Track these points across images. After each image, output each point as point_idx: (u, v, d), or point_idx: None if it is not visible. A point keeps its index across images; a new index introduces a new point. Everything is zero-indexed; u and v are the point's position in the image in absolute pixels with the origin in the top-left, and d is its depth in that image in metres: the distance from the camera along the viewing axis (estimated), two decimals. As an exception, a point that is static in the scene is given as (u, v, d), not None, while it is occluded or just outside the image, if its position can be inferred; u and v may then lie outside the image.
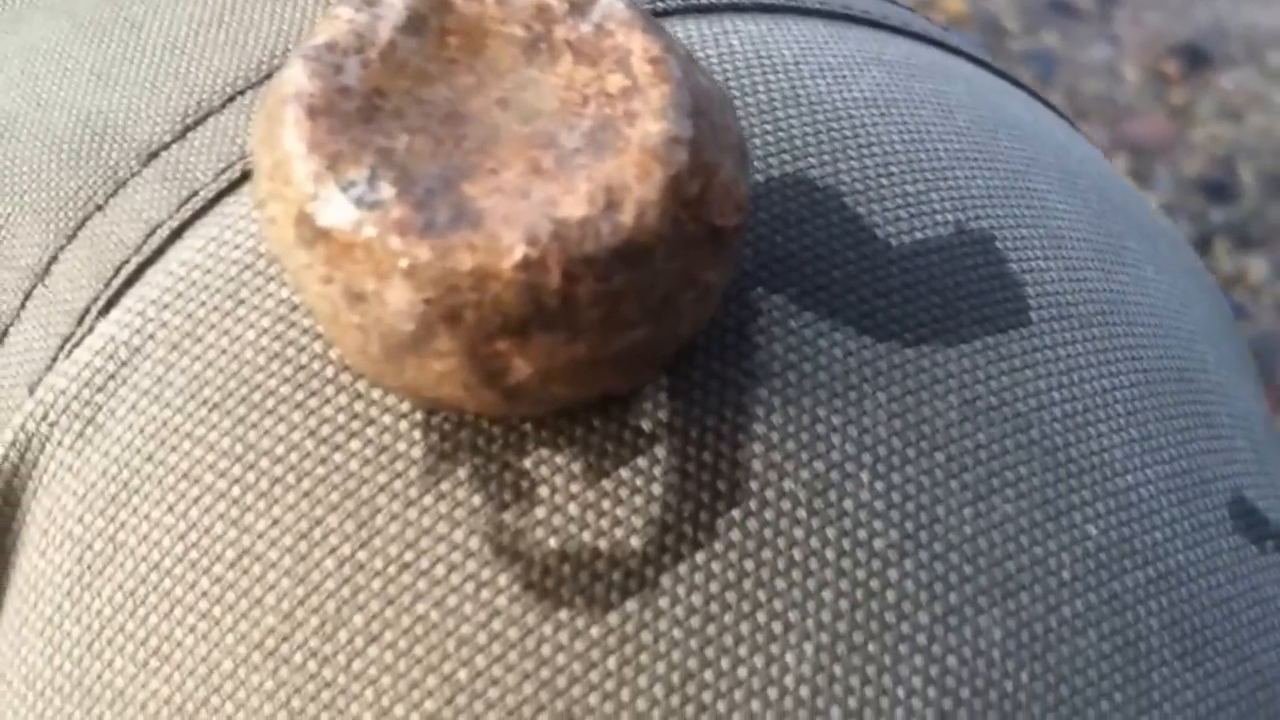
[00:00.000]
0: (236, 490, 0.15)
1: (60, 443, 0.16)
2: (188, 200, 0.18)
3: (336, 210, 0.13)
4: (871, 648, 0.14)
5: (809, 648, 0.13)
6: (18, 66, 0.21)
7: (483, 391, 0.14)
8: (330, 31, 0.14)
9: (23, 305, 0.18)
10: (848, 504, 0.14)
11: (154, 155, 0.18)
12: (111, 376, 0.16)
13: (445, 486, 0.14)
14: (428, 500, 0.14)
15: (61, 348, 0.17)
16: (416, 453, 0.14)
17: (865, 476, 0.14)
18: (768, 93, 0.17)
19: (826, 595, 0.14)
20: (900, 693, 0.13)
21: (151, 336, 0.16)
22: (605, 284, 0.13)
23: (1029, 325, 0.16)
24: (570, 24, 0.14)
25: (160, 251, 0.17)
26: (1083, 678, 0.14)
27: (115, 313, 0.17)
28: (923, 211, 0.17)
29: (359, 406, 0.15)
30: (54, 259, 0.18)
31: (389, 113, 0.14)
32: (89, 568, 0.15)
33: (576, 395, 0.14)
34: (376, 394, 0.15)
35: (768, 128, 0.17)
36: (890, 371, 0.15)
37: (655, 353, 0.14)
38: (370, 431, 0.15)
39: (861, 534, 0.14)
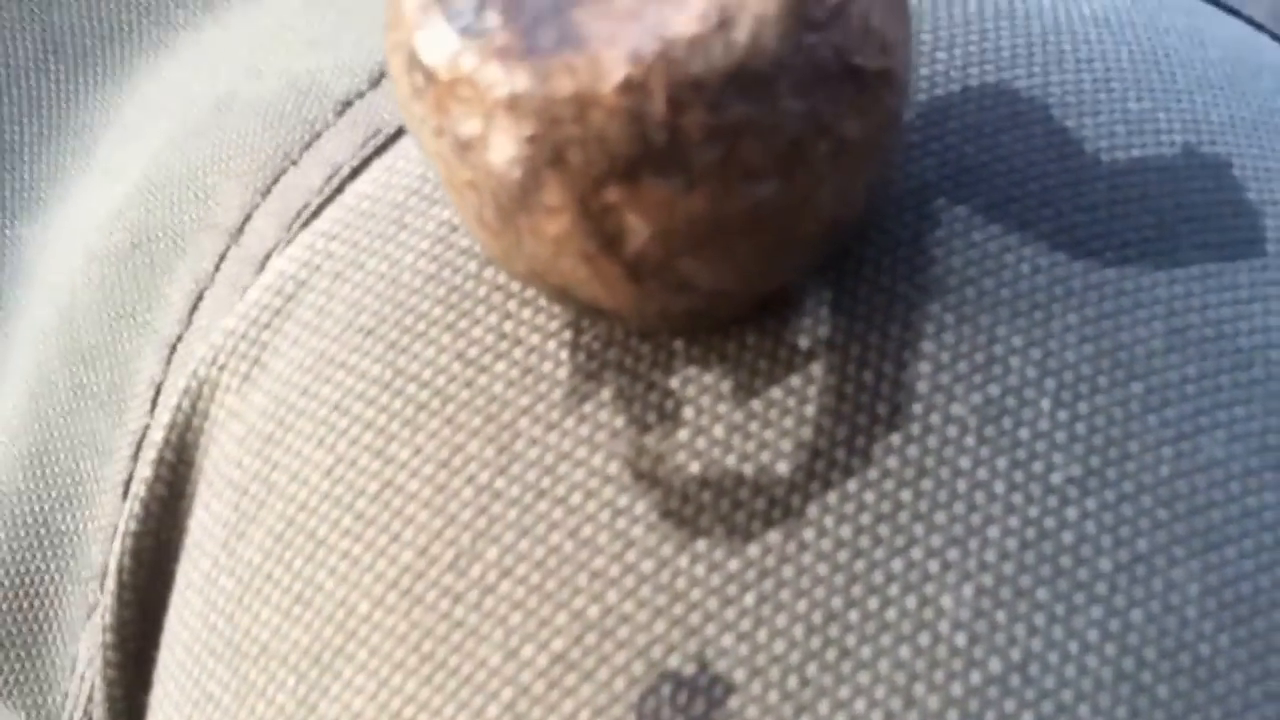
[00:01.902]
0: (383, 419, 0.14)
1: (228, 387, 0.16)
2: (370, 139, 0.17)
3: (440, 41, 0.13)
4: (1041, 594, 0.12)
5: (968, 590, 0.12)
6: (248, 47, 0.21)
7: (606, 265, 0.13)
8: None
9: (217, 268, 0.18)
10: (1024, 432, 0.13)
11: (348, 105, 0.18)
12: (277, 313, 0.16)
13: (588, 408, 0.14)
14: (569, 423, 0.14)
15: (241, 297, 0.17)
16: (562, 373, 0.14)
17: (1046, 404, 0.13)
18: (979, 5, 0.16)
19: (992, 532, 0.13)
20: (1073, 647, 0.12)
21: (318, 268, 0.16)
22: (718, 115, 0.12)
23: (1264, 257, 0.15)
24: None
25: (340, 190, 0.17)
26: None
27: (290, 249, 0.17)
28: (1145, 129, 0.15)
29: (508, 326, 0.14)
30: (248, 217, 0.18)
31: None
32: (244, 514, 0.15)
33: (716, 279, 0.13)
34: (527, 313, 0.14)
35: (973, 37, 0.16)
36: (1085, 291, 0.14)
37: (796, 226, 0.13)
38: (517, 353, 0.14)
39: (1037, 466, 0.13)
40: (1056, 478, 0.13)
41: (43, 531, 0.19)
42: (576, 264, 0.13)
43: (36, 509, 0.19)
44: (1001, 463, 0.13)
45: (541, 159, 0.12)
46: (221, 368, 0.16)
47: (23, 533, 0.19)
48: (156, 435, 0.17)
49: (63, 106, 0.22)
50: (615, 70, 0.12)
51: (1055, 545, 0.13)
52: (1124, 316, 0.14)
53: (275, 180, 0.18)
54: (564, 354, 0.14)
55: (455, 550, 0.13)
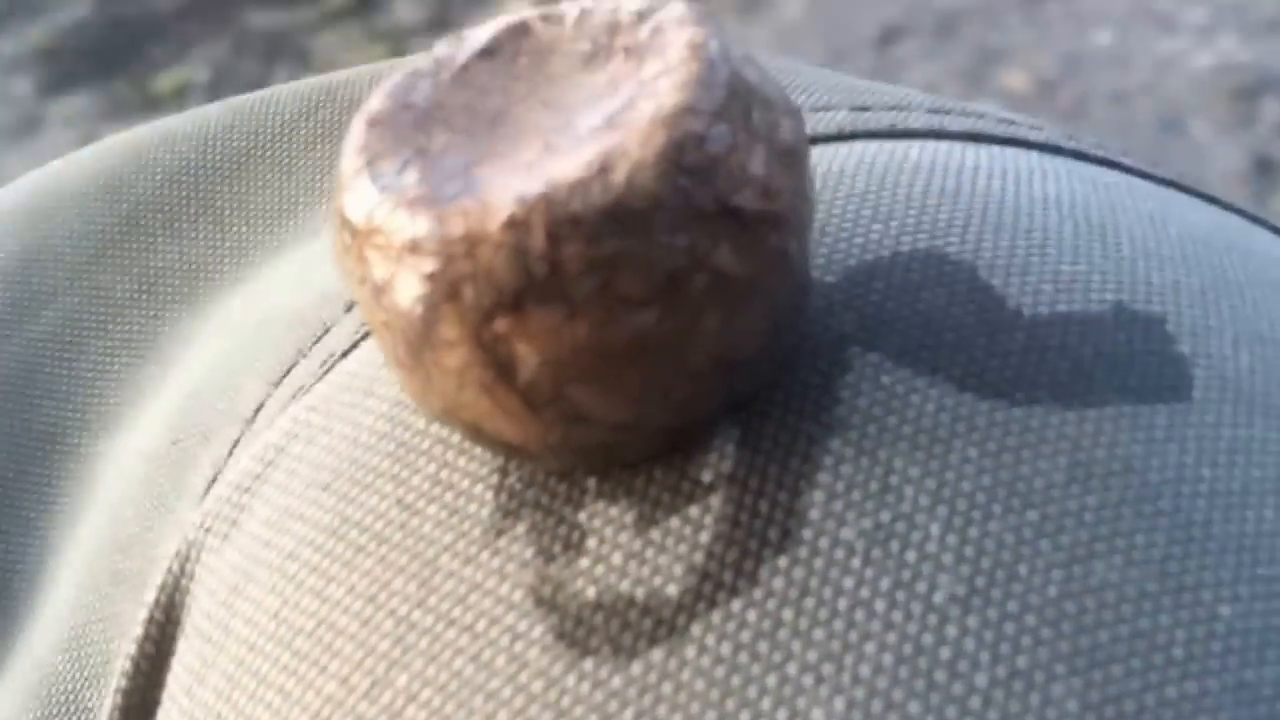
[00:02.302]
0: (326, 562, 0.15)
1: (210, 548, 0.17)
2: (363, 324, 0.19)
3: (362, 199, 0.14)
4: (913, 707, 0.12)
5: (839, 703, 0.13)
6: (297, 269, 0.23)
7: (503, 395, 0.14)
8: (416, 63, 0.15)
9: (230, 452, 0.19)
10: (910, 555, 0.13)
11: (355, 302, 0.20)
12: (257, 478, 0.17)
13: (502, 543, 0.14)
14: (484, 556, 0.14)
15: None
16: (485, 513, 0.15)
17: (936, 528, 0.13)
18: (925, 186, 0.17)
19: (869, 648, 0.13)
20: None
21: (296, 436, 0.17)
22: (595, 248, 0.13)
23: (1187, 402, 0.15)
24: (632, 32, 0.15)
25: (330, 369, 0.18)
26: None
27: (279, 421, 0.18)
28: (1074, 288, 0.16)
29: (444, 474, 0.15)
30: (261, 406, 0.20)
31: (439, 120, 0.15)
32: (205, 660, 0.16)
33: (610, 410, 0.14)
34: (462, 461, 0.15)
35: (911, 211, 0.17)
36: (988, 428, 0.14)
37: (684, 358, 0.14)
38: (448, 496, 0.15)
39: (921, 586, 0.13)
40: (939, 597, 0.13)
41: (72, 709, 0.20)
42: (479, 396, 0.14)
43: (70, 687, 0.21)
44: (885, 583, 0.13)
45: (439, 295, 0.13)
46: (207, 530, 0.18)
47: (56, 711, 0.21)
48: (148, 596, 0.18)
49: (151, 338, 0.24)
50: (501, 210, 0.13)
51: (931, 660, 0.13)
52: (1025, 450, 0.14)
53: (287, 372, 0.20)
54: (489, 495, 0.15)
55: (371, 679, 0.14)
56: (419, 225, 0.13)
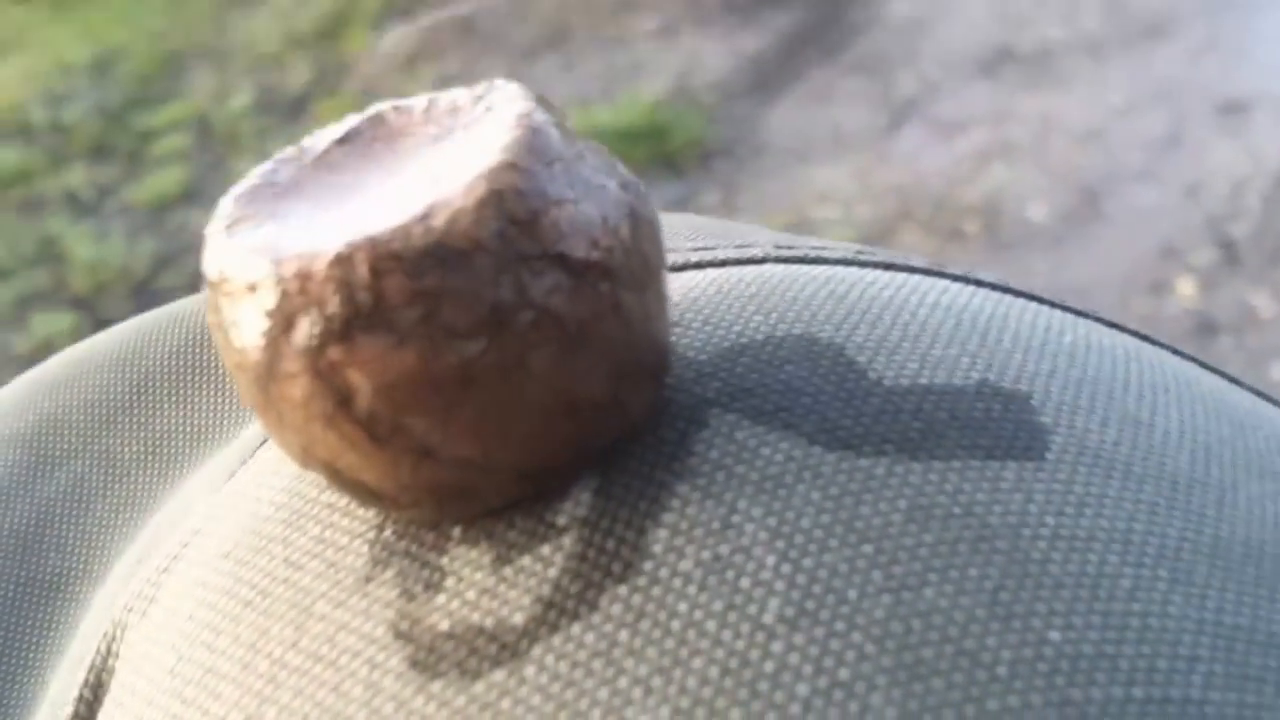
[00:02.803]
0: (217, 618, 0.17)
1: (130, 625, 0.19)
2: None
3: (216, 254, 0.15)
4: (735, 714, 0.13)
5: (665, 711, 0.14)
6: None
7: (346, 426, 0.14)
8: (285, 151, 0.16)
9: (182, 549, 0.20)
10: (744, 581, 0.14)
11: None
12: (175, 558, 0.19)
13: (370, 587, 0.16)
14: (353, 600, 0.16)
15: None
16: (359, 563, 0.16)
17: (772, 559, 0.14)
18: (813, 291, 0.18)
19: (696, 663, 0.14)
20: None
21: (211, 517, 0.19)
22: (417, 281, 0.14)
23: (1039, 461, 0.16)
24: (470, 112, 0.16)
25: (250, 458, 0.20)
26: None
27: (198, 508, 0.20)
28: (940, 367, 0.17)
29: (328, 534, 0.17)
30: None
31: (297, 194, 0.16)
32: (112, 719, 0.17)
33: (452, 445, 0.15)
34: (345, 521, 0.17)
35: (794, 307, 0.18)
36: (833, 475, 0.15)
37: (517, 391, 0.14)
38: (329, 552, 0.16)
39: (752, 608, 0.14)
40: (768, 617, 0.14)
41: None
42: (325, 429, 0.15)
43: None
44: (717, 605, 0.14)
45: (278, 328, 0.14)
46: (129, 609, 0.19)
47: None
48: (79, 676, 0.19)
49: (155, 496, 0.25)
50: (330, 251, 0.14)
51: (755, 672, 0.14)
52: (867, 495, 0.15)
53: (233, 475, 0.21)
54: (364, 549, 0.16)
55: (244, 716, 0.15)
56: (259, 268, 0.14)
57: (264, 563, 0.17)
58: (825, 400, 0.16)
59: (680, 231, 0.22)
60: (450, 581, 0.15)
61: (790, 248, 0.21)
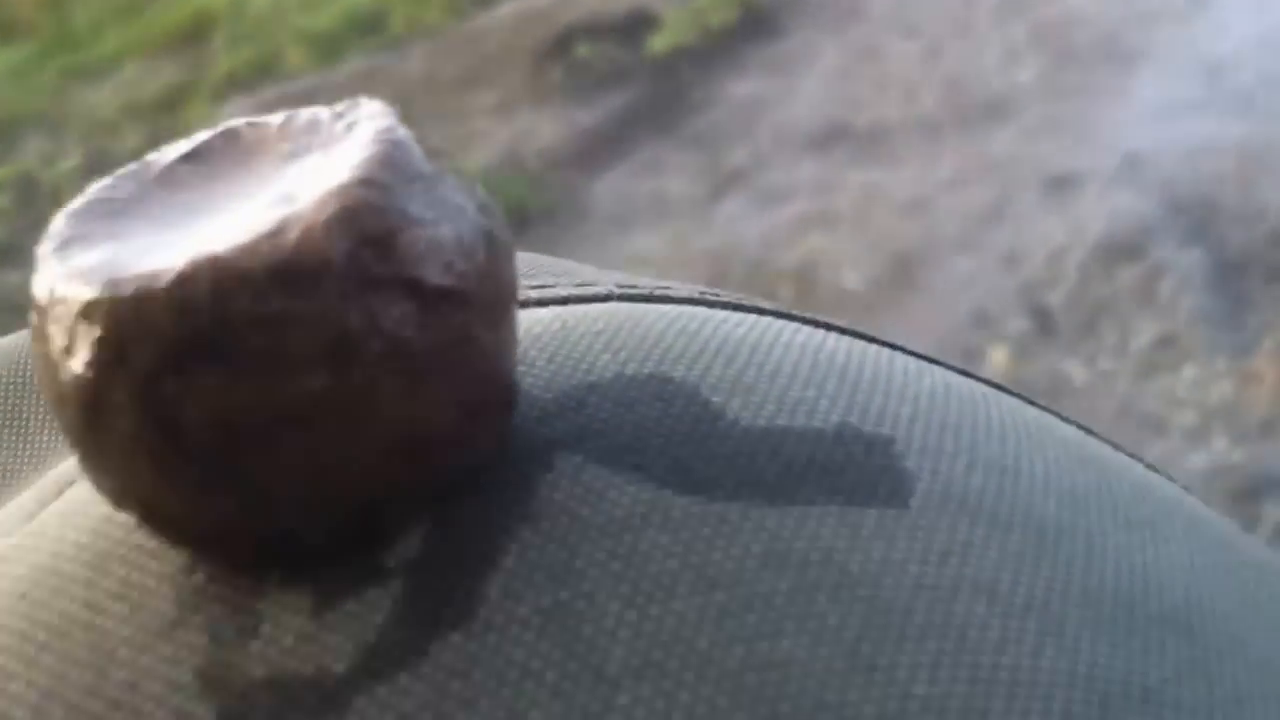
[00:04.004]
0: (10, 662, 0.16)
1: None
2: None
3: (46, 276, 0.14)
4: None
5: None
6: None
7: (173, 464, 0.14)
8: (126, 167, 0.16)
9: None
10: (586, 629, 0.14)
11: None
12: None
13: (179, 633, 0.15)
14: (160, 645, 0.15)
15: None
16: (167, 608, 0.15)
17: (615, 606, 0.14)
18: (663, 328, 0.18)
19: (534, 715, 0.13)
20: None
21: (6, 558, 0.18)
22: (262, 305, 0.13)
23: (901, 508, 0.15)
24: (330, 129, 0.15)
25: (58, 497, 0.19)
26: None
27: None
28: (800, 409, 0.16)
29: (134, 576, 0.16)
30: None
31: (137, 213, 0.15)
32: None
33: (286, 484, 0.14)
34: (153, 564, 0.16)
35: (644, 345, 0.17)
36: (682, 518, 0.15)
37: (359, 428, 0.14)
38: (135, 595, 0.15)
39: (594, 658, 0.14)
40: (611, 668, 0.14)
41: None
42: (148, 467, 0.14)
43: None
44: (557, 654, 0.14)
45: (109, 357, 0.13)
46: None
47: None
48: None
49: None
50: (171, 271, 0.13)
51: None
52: (719, 539, 0.15)
53: (32, 518, 0.19)
54: (173, 593, 0.15)
55: None
56: (92, 291, 0.13)
57: (63, 605, 0.16)
58: (678, 442, 0.16)
59: (518, 269, 0.20)
60: (266, 627, 0.14)
61: (634, 286, 0.20)
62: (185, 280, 0.13)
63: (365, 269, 0.13)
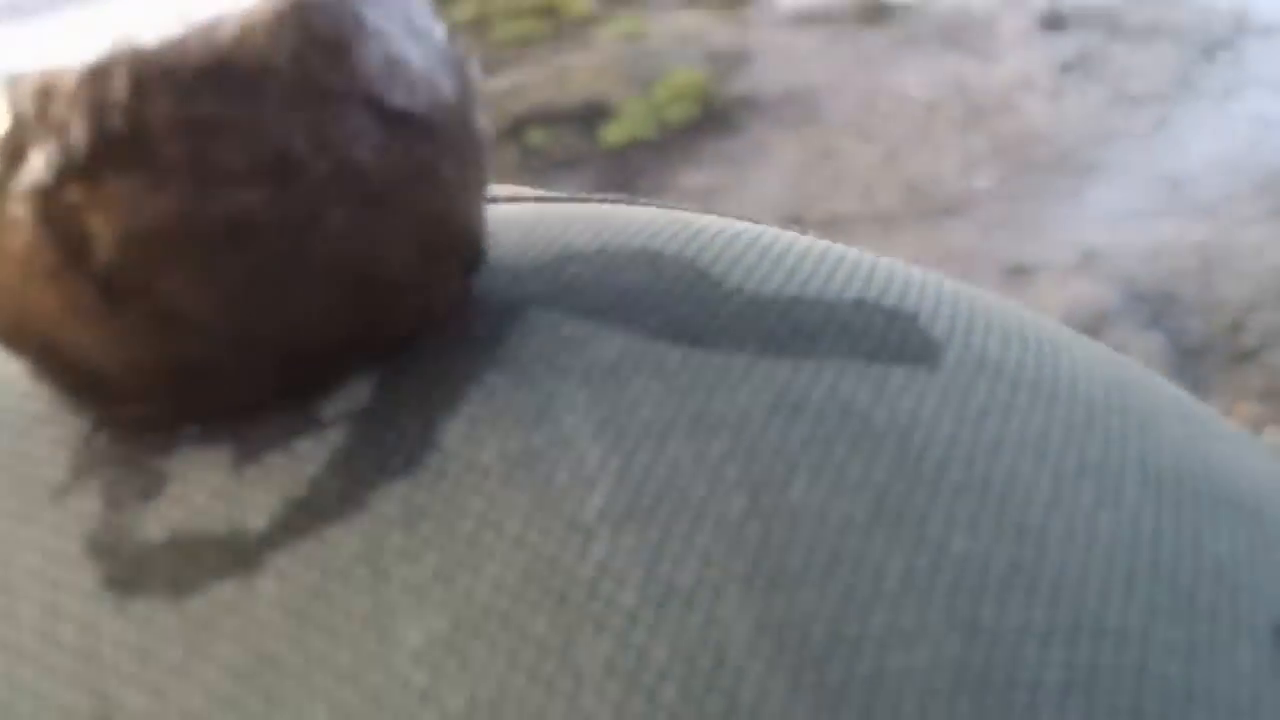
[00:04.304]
0: None
1: None
2: None
3: None
4: (538, 625, 0.11)
5: (441, 622, 0.12)
6: None
7: (76, 286, 0.12)
8: None
9: None
10: (560, 475, 0.12)
11: None
12: None
13: (70, 500, 0.13)
14: (45, 515, 0.13)
15: None
16: (58, 475, 0.14)
17: (596, 451, 0.13)
18: (651, 214, 0.17)
19: (490, 567, 0.12)
20: (565, 683, 0.11)
21: None
22: (188, 107, 0.11)
23: (931, 366, 0.14)
24: None
25: None
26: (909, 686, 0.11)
27: None
28: (810, 283, 0.15)
29: (20, 444, 0.14)
30: None
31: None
32: None
33: (208, 310, 0.12)
34: (47, 431, 0.14)
35: (632, 226, 0.16)
36: (678, 368, 0.13)
37: (299, 256, 0.12)
38: (22, 466, 0.14)
39: (566, 505, 0.12)
40: (587, 515, 0.12)
41: None
42: (47, 289, 0.12)
43: None
44: (522, 501, 0.12)
45: (4, 162, 0.12)
46: None
47: None
48: None
49: None
50: (81, 64, 0.11)
51: (567, 578, 0.12)
52: (721, 388, 0.13)
53: None
54: (67, 459, 0.14)
55: None
56: None
57: None
58: (672, 301, 0.14)
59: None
60: (174, 487, 0.13)
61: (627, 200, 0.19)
62: (99, 75, 0.12)
63: (314, 77, 0.12)
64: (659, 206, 0.18)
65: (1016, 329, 0.16)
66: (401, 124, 0.12)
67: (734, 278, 0.15)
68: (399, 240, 0.13)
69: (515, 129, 2.20)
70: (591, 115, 2.20)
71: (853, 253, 0.17)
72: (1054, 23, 2.29)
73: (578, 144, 2.15)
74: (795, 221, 1.87)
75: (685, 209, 0.18)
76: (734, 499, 0.12)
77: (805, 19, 2.40)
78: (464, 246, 0.14)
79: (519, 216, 0.16)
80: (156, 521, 0.13)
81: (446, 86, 0.13)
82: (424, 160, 0.13)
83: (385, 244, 0.13)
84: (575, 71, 2.32)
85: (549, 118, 2.21)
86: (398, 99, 0.12)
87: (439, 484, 0.12)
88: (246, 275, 0.12)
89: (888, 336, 0.14)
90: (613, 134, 2.14)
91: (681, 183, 2.02)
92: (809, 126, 2.09)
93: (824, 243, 0.17)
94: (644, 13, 2.50)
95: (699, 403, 0.13)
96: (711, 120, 2.15)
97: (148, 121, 0.11)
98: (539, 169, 2.10)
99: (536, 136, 2.17)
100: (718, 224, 0.16)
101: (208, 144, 0.12)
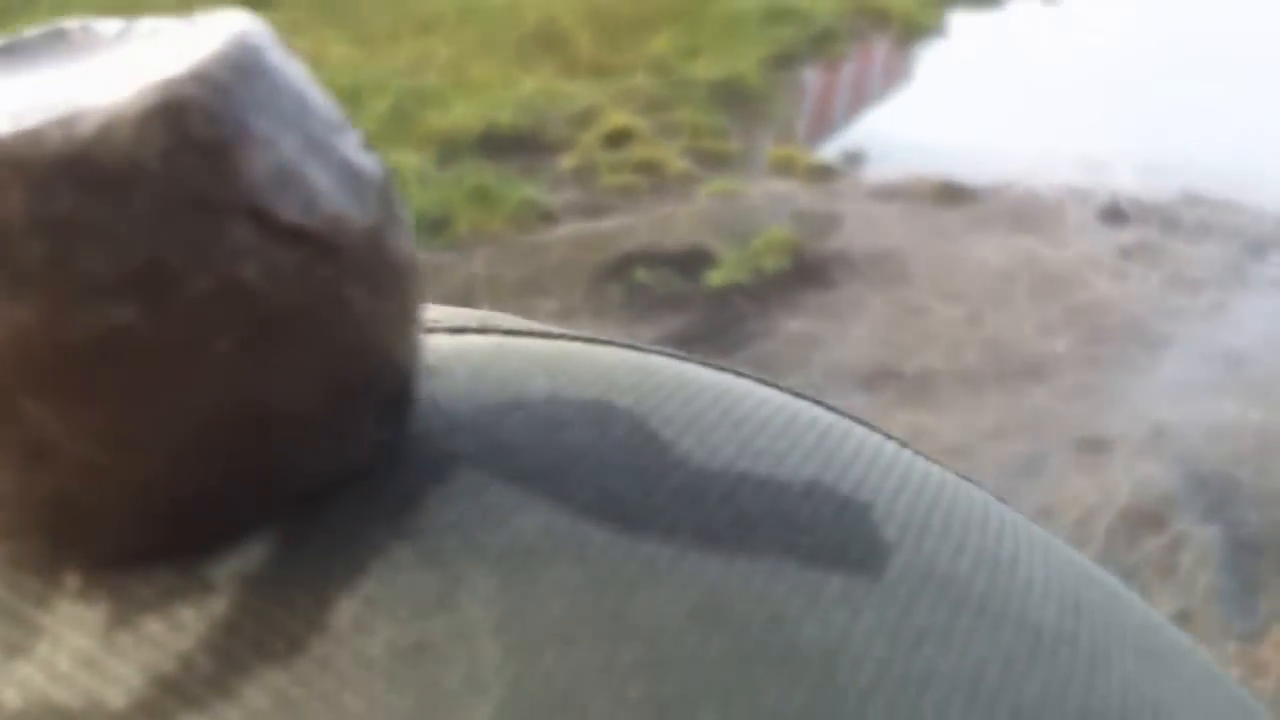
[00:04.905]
0: None
1: None
2: None
3: None
4: None
5: None
6: None
7: None
8: None
9: None
10: (450, 678, 0.11)
11: None
12: None
13: None
14: None
15: None
16: None
17: (495, 652, 0.11)
18: (611, 362, 0.16)
19: None
20: None
21: None
22: (46, 203, 0.10)
23: (873, 577, 0.13)
24: (179, 33, 0.13)
25: None
26: None
27: None
28: (763, 457, 0.14)
29: None
30: None
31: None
32: None
33: (80, 441, 0.11)
34: None
35: (585, 371, 0.15)
36: (601, 555, 0.12)
37: (181, 385, 0.11)
38: None
39: (451, 715, 0.11)
40: (479, 715, 0.11)
41: None
42: None
43: None
44: (404, 706, 0.11)
45: None
46: None
47: None
48: None
49: None
50: None
51: None
52: (644, 584, 0.12)
53: None
54: None
55: None
56: None
57: None
58: (611, 470, 0.13)
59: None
60: (43, 646, 0.12)
61: (605, 340, 0.17)
62: None
63: (188, 181, 0.11)
64: (657, 353, 0.17)
65: (977, 534, 0.15)
66: (295, 242, 0.11)
67: (683, 445, 0.14)
68: (300, 375, 0.11)
69: (621, 265, 2.31)
70: (693, 259, 2.32)
71: (825, 421, 0.15)
72: (1114, 216, 2.47)
73: (681, 284, 2.27)
74: (891, 375, 1.99)
75: (687, 357, 0.17)
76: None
77: (888, 193, 2.55)
78: (383, 387, 0.12)
79: (474, 351, 0.15)
80: (15, 686, 0.12)
81: (354, 206, 0.12)
82: (326, 285, 0.11)
83: (283, 378, 0.11)
84: (677, 221, 2.46)
85: (653, 258, 2.33)
86: (289, 213, 0.11)
87: (320, 677, 0.11)
88: (121, 404, 0.11)
89: (833, 534, 0.13)
90: (715, 278, 2.27)
91: (783, 328, 2.14)
92: (896, 285, 2.22)
93: (798, 405, 0.16)
94: (738, 177, 2.65)
95: (615, 602, 0.12)
96: (804, 272, 2.27)
97: (2, 218, 0.10)
98: (645, 307, 2.22)
99: (641, 274, 2.29)
100: (688, 376, 0.15)
101: (69, 247, 0.10)
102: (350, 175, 0.12)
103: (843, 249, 2.35)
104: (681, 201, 2.54)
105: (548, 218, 2.55)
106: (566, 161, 2.70)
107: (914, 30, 3.54)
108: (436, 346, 0.15)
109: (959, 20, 3.64)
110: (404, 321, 0.12)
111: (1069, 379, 1.97)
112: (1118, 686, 0.13)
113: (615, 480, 0.13)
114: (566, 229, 2.52)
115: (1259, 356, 1.98)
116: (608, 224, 2.46)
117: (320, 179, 0.11)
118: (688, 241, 2.40)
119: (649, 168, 2.67)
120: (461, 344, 0.15)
